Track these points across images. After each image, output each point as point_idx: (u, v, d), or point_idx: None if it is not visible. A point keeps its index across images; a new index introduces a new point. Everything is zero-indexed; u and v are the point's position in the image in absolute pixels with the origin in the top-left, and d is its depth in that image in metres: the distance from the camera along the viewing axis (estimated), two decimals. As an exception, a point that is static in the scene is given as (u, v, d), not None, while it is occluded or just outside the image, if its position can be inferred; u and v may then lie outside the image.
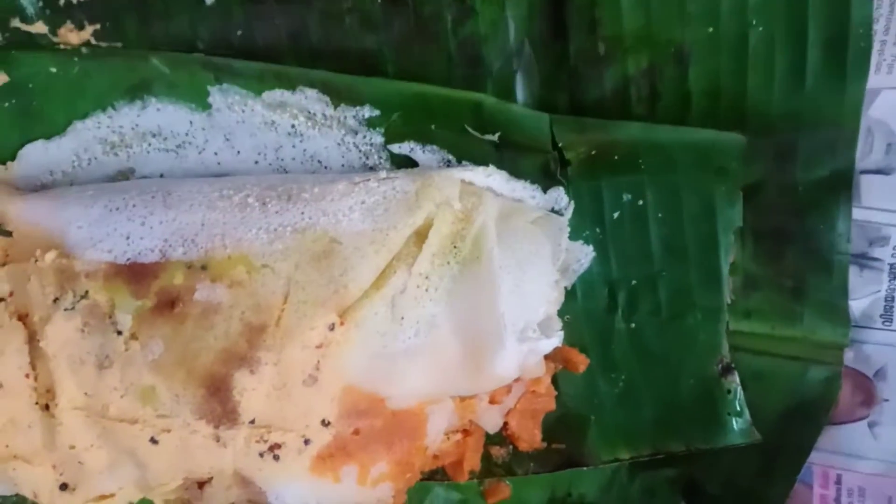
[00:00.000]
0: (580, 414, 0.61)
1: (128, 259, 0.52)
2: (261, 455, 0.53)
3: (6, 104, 0.58)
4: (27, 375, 0.54)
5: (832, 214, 0.59)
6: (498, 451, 0.62)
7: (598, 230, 0.60)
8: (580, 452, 0.61)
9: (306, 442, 0.53)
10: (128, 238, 0.53)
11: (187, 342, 0.51)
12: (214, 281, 0.52)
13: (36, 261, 0.53)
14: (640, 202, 0.59)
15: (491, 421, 0.58)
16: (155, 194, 0.55)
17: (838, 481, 0.63)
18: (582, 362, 0.60)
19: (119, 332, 0.51)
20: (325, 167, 0.60)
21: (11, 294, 0.55)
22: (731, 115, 0.59)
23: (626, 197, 0.59)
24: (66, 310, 0.52)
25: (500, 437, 0.61)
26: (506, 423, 0.59)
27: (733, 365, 0.59)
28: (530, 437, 0.60)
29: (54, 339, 0.52)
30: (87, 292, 0.52)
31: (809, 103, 0.58)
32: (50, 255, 0.53)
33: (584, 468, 0.61)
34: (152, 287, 0.52)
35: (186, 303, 0.51)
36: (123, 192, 0.55)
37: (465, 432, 0.58)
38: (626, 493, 0.63)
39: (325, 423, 0.53)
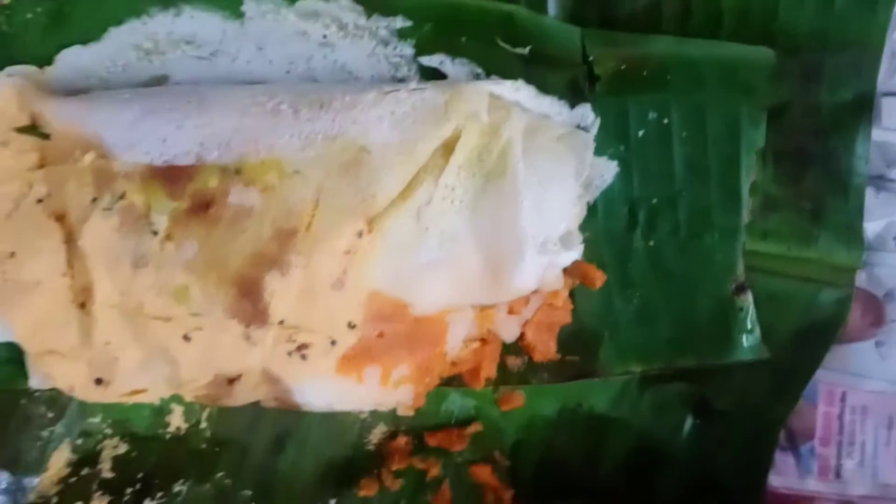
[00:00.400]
0: (595, 328, 0.63)
1: (164, 161, 0.54)
2: (289, 354, 0.55)
3: (40, 9, 0.58)
4: (63, 274, 0.56)
5: (852, 136, 0.60)
6: (513, 361, 0.63)
7: (622, 148, 0.61)
8: (593, 365, 0.63)
9: (333, 343, 0.55)
10: (164, 141, 0.54)
11: (220, 244, 0.53)
12: (248, 185, 0.53)
13: (75, 162, 0.54)
14: (666, 121, 0.60)
15: (508, 331, 0.61)
16: (190, 99, 0.56)
17: (843, 399, 0.66)
18: (599, 278, 0.61)
19: (155, 233, 0.53)
20: (355, 77, 0.60)
21: (49, 195, 0.57)
22: (760, 34, 0.59)
23: (652, 115, 0.60)
24: (104, 210, 0.53)
25: (516, 348, 0.63)
26: (522, 334, 0.61)
27: (747, 284, 0.61)
28: (545, 348, 0.62)
29: (91, 239, 0.53)
30: (124, 193, 0.53)
31: (838, 22, 0.59)
32: (89, 157, 0.54)
33: (596, 379, 0.63)
34: (187, 189, 0.53)
35: (220, 205, 0.53)
36: (159, 95, 0.56)
37: (483, 341, 0.61)
38: (636, 406, 0.65)
39: (350, 326, 0.55)
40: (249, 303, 0.53)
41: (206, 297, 0.53)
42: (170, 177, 0.53)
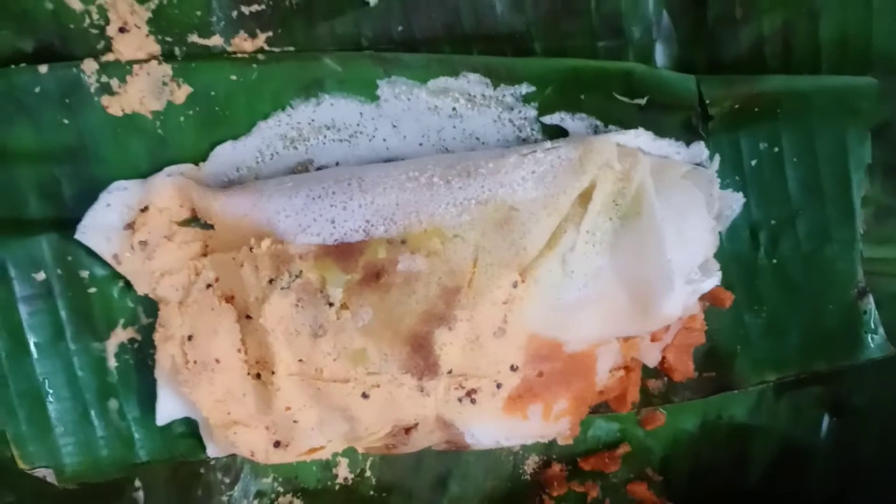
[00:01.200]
0: (728, 345, 0.68)
1: (335, 240, 0.59)
2: (459, 400, 0.60)
3: (191, 112, 0.63)
4: (239, 350, 0.61)
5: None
6: (654, 383, 0.69)
7: (737, 178, 0.66)
8: (730, 378, 0.68)
9: (498, 386, 0.59)
10: (333, 222, 0.59)
11: (393, 307, 0.58)
12: (413, 253, 0.58)
13: (251, 248, 0.59)
14: (776, 149, 0.65)
15: (651, 357, 0.65)
16: (350, 181, 0.61)
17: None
18: (729, 298, 0.66)
19: (331, 304, 0.58)
20: (483, 143, 0.66)
21: (217, 280, 0.62)
22: (859, 62, 0.65)
23: (763, 145, 0.65)
24: (282, 289, 0.58)
25: (655, 371, 0.68)
26: (663, 358, 0.66)
27: (868, 289, 0.65)
28: (685, 368, 0.67)
29: (271, 316, 0.58)
30: (300, 272, 0.58)
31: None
32: (265, 242, 0.59)
33: (734, 392, 0.68)
34: (359, 262, 0.58)
35: (390, 273, 0.58)
36: (321, 181, 0.61)
37: (627, 368, 0.65)
38: (773, 412, 0.70)
39: (513, 369, 0.59)
40: (421, 357, 0.58)
41: (381, 356, 0.58)
42: (341, 253, 0.58)
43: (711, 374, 0.68)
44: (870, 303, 0.65)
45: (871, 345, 0.66)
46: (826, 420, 0.70)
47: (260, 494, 0.69)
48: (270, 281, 0.59)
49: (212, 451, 0.64)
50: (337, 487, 0.70)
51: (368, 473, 0.70)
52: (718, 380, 0.68)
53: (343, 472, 0.70)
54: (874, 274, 0.67)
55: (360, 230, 0.59)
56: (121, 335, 0.64)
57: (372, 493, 0.69)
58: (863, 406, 0.69)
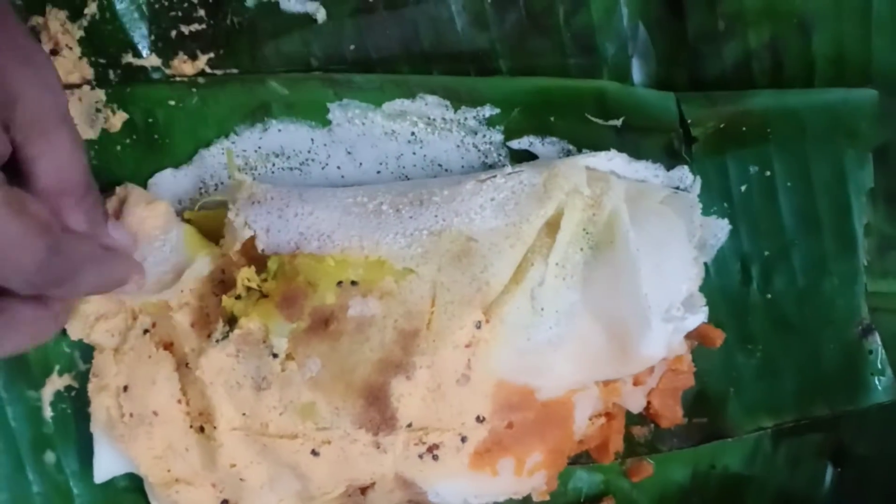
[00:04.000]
0: (719, 388, 0.62)
1: (262, 249, 0.54)
2: (420, 457, 0.54)
3: (128, 140, 0.59)
4: (179, 401, 0.56)
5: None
6: (640, 431, 0.63)
7: (725, 205, 0.60)
8: (722, 425, 0.62)
9: (463, 440, 0.54)
10: (267, 231, 0.54)
11: (344, 357, 0.52)
12: (365, 296, 0.52)
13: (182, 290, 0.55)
14: (768, 173, 0.59)
15: (635, 402, 0.60)
16: (290, 190, 0.56)
17: None
18: (718, 337, 0.60)
19: (275, 355, 0.53)
20: (446, 170, 0.60)
21: (154, 325, 0.57)
22: (856, 78, 0.59)
23: (753, 169, 0.60)
24: (217, 341, 0.53)
25: (640, 417, 0.62)
26: (648, 403, 0.60)
27: (873, 326, 0.59)
28: (672, 414, 0.61)
29: (209, 368, 0.53)
30: (236, 321, 0.53)
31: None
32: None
33: (727, 440, 0.62)
34: (305, 309, 0.53)
35: (340, 320, 0.52)
36: (265, 191, 0.56)
37: (608, 415, 0.60)
38: (770, 462, 0.64)
39: (479, 420, 0.54)
40: (377, 411, 0.53)
41: (332, 410, 0.53)
42: (285, 300, 0.53)
43: (702, 420, 0.62)
44: (876, 341, 0.59)
45: (878, 387, 0.60)
46: (829, 471, 0.63)
47: (211, 554, 0.63)
48: (209, 335, 0.54)
49: (156, 509, 0.59)
50: (293, 547, 0.64)
51: (329, 531, 0.64)
52: (710, 426, 0.62)
53: (302, 530, 0.65)
54: (879, 310, 0.60)
55: (292, 242, 0.54)
56: (57, 383, 0.61)
57: (331, 553, 0.64)
58: (867, 455, 0.63)
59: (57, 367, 0.60)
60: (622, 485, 0.64)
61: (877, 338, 0.60)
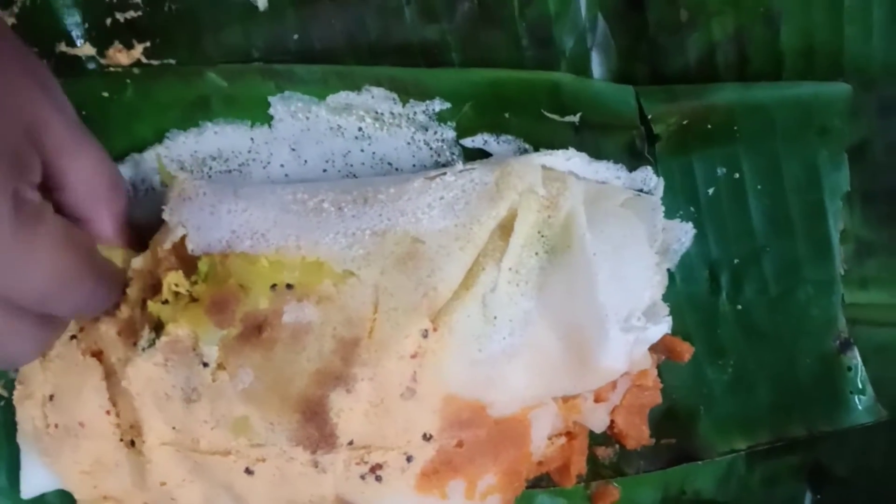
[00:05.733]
0: (688, 405, 0.58)
1: (192, 249, 0.50)
2: (362, 477, 0.50)
3: (56, 138, 0.56)
4: (108, 412, 0.52)
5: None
6: (604, 452, 0.59)
7: (692, 209, 0.57)
8: (692, 446, 0.58)
9: (409, 459, 0.50)
10: (198, 229, 0.50)
11: (279, 367, 0.48)
12: (301, 300, 0.49)
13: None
14: (737, 175, 0.56)
15: (597, 420, 0.55)
16: (225, 187, 0.53)
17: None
18: (686, 350, 0.56)
19: (205, 364, 0.49)
20: (396, 169, 0.57)
21: (82, 330, 0.54)
22: (827, 73, 0.56)
23: (721, 171, 0.56)
24: (143, 350, 0.50)
25: (605, 437, 0.58)
26: (612, 422, 0.56)
27: (852, 340, 0.56)
28: (638, 433, 0.57)
29: (136, 379, 0.50)
30: (163, 326, 0.49)
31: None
32: None
33: (698, 462, 0.58)
34: (236, 314, 0.49)
35: (274, 327, 0.48)
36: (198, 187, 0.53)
37: (569, 435, 0.56)
38: (745, 485, 0.60)
39: (426, 438, 0.50)
40: (314, 427, 0.49)
41: (267, 426, 0.49)
42: (215, 304, 0.49)
43: (671, 441, 0.58)
44: (855, 357, 0.56)
45: (859, 407, 0.56)
46: (808, 496, 0.59)
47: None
48: (135, 343, 0.50)
49: (88, 528, 0.55)
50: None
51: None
52: (679, 447, 0.58)
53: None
54: (858, 322, 0.57)
55: (224, 241, 0.50)
56: None
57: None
58: (847, 477, 0.59)
59: (-16, 375, 0.57)
60: (587, 510, 0.60)
61: (856, 353, 0.56)
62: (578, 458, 0.56)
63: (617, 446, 0.59)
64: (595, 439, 0.58)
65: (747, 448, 0.58)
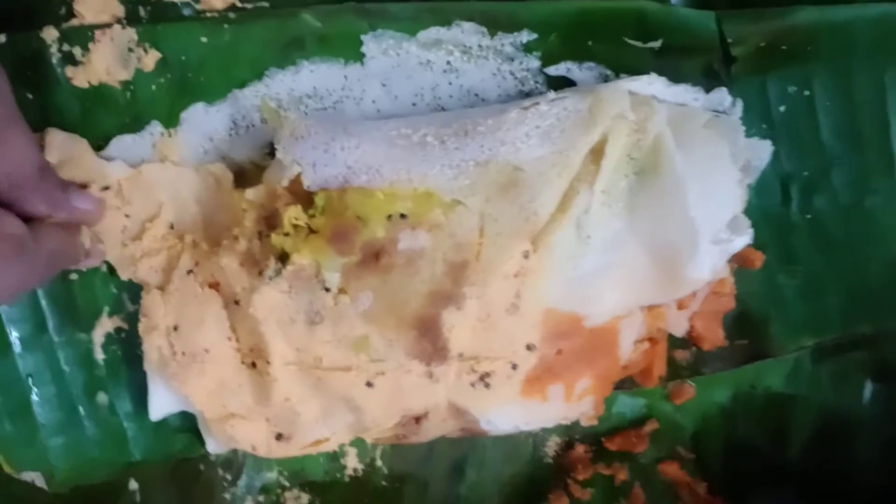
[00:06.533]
0: (760, 309, 0.62)
1: (308, 186, 0.53)
2: (472, 385, 0.55)
3: (162, 80, 0.57)
4: (229, 339, 0.56)
5: None
6: (681, 355, 0.63)
7: (764, 126, 0.60)
8: (764, 345, 0.62)
9: (514, 367, 0.55)
10: (314, 165, 0.53)
11: (396, 290, 0.52)
12: (415, 228, 0.52)
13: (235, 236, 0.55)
14: (807, 92, 0.59)
15: (678, 326, 0.60)
16: (335, 125, 0.55)
17: None
18: (758, 258, 0.60)
19: (327, 289, 0.53)
20: (483, 99, 0.59)
21: (197, 264, 0.57)
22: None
23: (792, 89, 0.59)
24: (269, 279, 0.53)
25: (682, 341, 0.62)
26: (691, 326, 0.61)
27: (920, 242, 0.60)
28: (714, 336, 0.62)
29: (262, 306, 0.53)
30: (288, 257, 0.53)
31: None
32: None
33: (769, 360, 0.62)
34: (356, 243, 0.52)
35: (391, 254, 0.52)
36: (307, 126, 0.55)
37: (652, 340, 0.60)
38: (813, 380, 0.64)
39: (529, 348, 0.54)
40: (429, 341, 0.53)
41: (385, 342, 0.53)
42: (336, 235, 0.52)
43: (743, 342, 0.62)
44: (922, 257, 0.60)
45: (925, 305, 0.60)
46: (869, 386, 0.64)
47: (265, 490, 0.64)
48: (260, 272, 0.54)
49: (211, 446, 0.59)
50: (346, 479, 0.65)
51: (379, 463, 0.65)
52: (751, 347, 0.62)
53: (352, 462, 0.65)
54: (925, 225, 0.61)
55: (340, 176, 0.53)
56: (106, 324, 0.60)
57: (384, 483, 0.65)
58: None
59: (106, 309, 0.59)
60: (665, 408, 0.65)
61: (923, 254, 0.60)
62: (660, 362, 0.61)
63: (694, 349, 0.63)
64: (673, 343, 0.62)
65: (815, 344, 0.62)
